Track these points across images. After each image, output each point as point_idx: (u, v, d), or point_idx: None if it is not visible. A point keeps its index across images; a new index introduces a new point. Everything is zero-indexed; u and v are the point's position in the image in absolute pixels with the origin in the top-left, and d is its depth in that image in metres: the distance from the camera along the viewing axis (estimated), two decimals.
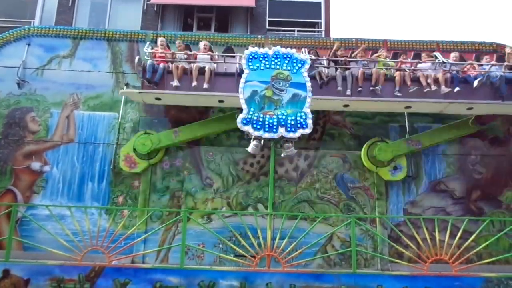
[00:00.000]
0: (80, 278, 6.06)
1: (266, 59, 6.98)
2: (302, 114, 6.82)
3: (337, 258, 8.69)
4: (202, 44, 9.15)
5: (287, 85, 6.91)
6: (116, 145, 9.41)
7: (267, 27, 13.13)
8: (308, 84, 6.95)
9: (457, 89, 8.34)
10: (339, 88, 8.19)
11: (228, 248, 8.11)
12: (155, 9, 13.29)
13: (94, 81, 9.93)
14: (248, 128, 6.79)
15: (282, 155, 7.37)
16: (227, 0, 12.94)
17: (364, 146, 9.50)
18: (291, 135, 6.77)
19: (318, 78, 8.11)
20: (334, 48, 8.85)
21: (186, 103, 8.94)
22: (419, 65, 8.93)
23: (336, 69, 8.60)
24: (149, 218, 8.68)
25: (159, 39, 9.23)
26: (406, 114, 9.69)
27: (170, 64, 8.65)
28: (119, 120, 9.59)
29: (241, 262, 6.46)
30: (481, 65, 9.06)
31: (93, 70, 10.00)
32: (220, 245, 8.57)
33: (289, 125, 6.76)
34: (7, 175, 9.25)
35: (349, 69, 8.56)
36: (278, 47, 7.05)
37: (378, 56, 8.99)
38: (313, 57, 8.39)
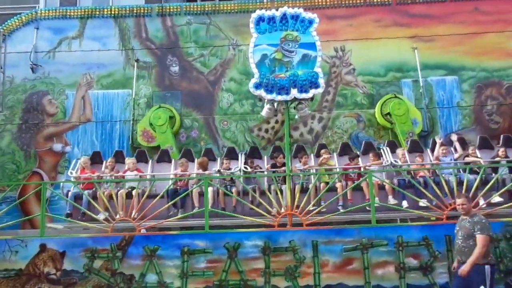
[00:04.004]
0: (112, 247, 6.34)
1: (274, 21, 6.92)
2: (314, 74, 6.81)
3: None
4: (129, 162, 8.03)
5: (297, 46, 6.85)
6: (132, 121, 9.60)
7: None
8: (318, 43, 6.90)
9: (405, 205, 7.08)
10: (274, 210, 6.79)
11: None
12: None
13: (104, 60, 10.06)
14: (260, 92, 6.82)
15: (296, 116, 7.43)
16: None
17: (378, 104, 9.49)
18: (303, 95, 6.79)
19: (250, 197, 7.09)
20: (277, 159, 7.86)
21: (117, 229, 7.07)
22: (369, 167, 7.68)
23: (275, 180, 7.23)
24: None
25: (83, 159, 8.20)
26: (419, 69, 9.62)
27: (98, 186, 7.31)
28: (133, 97, 9.74)
29: (263, 222, 6.66)
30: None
31: (102, 49, 10.10)
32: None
33: (301, 86, 6.78)
34: (31, 158, 9.59)
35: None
36: (285, 7, 6.97)
37: (321, 163, 7.82)
38: (248, 169, 7.67)
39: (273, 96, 6.81)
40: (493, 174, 7.22)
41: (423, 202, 6.83)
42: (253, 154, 8.63)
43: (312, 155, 8.40)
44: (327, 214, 6.67)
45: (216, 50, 10.12)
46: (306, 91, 6.81)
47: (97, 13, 10.25)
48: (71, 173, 7.97)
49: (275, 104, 6.97)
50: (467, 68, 9.78)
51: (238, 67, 10.00)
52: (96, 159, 8.59)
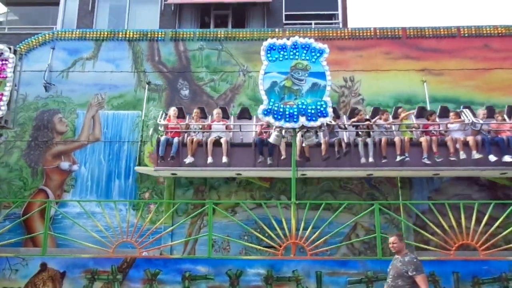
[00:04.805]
0: (113, 269, 6.28)
1: (285, 50, 7.04)
2: (322, 103, 6.87)
3: (362, 247, 8.71)
4: (215, 112, 8.89)
5: (306, 74, 6.96)
6: (140, 143, 9.65)
7: (284, 21, 13.11)
8: (328, 73, 6.98)
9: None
10: (363, 159, 7.85)
11: (253, 240, 8.23)
12: (172, 8, 13.48)
13: (117, 81, 10.23)
14: (269, 119, 6.88)
15: (303, 144, 7.43)
16: None
17: None
18: (311, 124, 6.83)
19: (336, 148, 7.87)
20: (358, 117, 8.50)
21: (204, 176, 8.56)
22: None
23: (357, 134, 8.33)
24: (175, 213, 8.88)
25: (171, 109, 9.02)
26: (427, 102, 9.63)
27: (185, 136, 8.46)
28: (143, 118, 9.83)
29: (267, 250, 6.56)
30: None
31: (115, 71, 10.29)
32: (245, 237, 8.71)
33: (309, 114, 6.82)
34: (38, 176, 9.63)
35: (370, 136, 8.24)
36: (297, 37, 7.10)
37: (402, 119, 8.55)
38: (333, 122, 8.09)
39: (281, 123, 6.86)
40: None
41: (509, 157, 7.46)
42: None
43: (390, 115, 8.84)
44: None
45: (226, 75, 10.27)
46: (315, 120, 6.85)
47: (112, 36, 10.52)
48: (159, 121, 8.84)
49: (283, 131, 7.00)
50: (476, 103, 9.76)
51: (248, 93, 10.10)
52: (179, 114, 9.09)
